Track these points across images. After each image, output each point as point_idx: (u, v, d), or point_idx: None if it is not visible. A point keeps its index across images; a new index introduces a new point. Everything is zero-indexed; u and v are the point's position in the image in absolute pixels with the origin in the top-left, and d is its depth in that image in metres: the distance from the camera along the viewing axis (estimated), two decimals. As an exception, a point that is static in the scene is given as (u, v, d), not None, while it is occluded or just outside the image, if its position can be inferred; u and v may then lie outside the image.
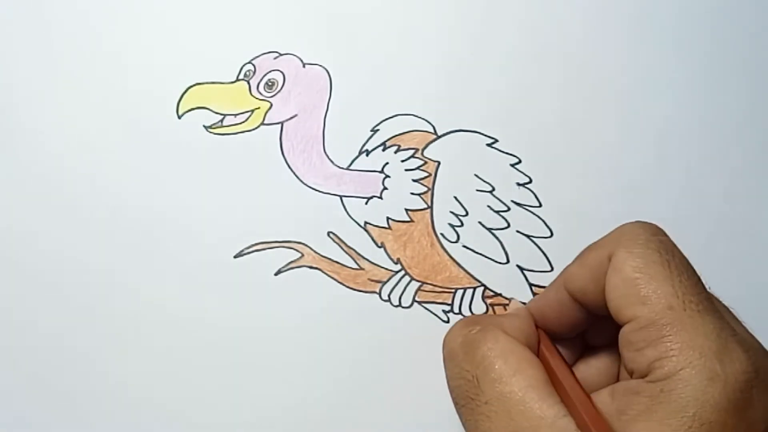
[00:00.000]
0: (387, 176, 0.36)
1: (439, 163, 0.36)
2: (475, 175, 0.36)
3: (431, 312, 0.35)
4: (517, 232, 0.35)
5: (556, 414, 0.25)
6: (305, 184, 0.35)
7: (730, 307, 0.28)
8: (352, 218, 0.35)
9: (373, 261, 0.35)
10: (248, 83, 0.36)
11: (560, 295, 0.29)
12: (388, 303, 0.35)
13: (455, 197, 0.36)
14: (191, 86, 0.36)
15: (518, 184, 0.36)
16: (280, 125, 0.36)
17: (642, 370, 0.25)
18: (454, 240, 0.35)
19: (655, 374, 0.25)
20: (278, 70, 0.36)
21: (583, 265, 0.28)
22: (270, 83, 0.36)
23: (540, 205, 0.36)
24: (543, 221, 0.35)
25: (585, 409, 0.26)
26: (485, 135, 0.36)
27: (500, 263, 0.35)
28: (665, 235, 0.27)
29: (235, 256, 0.35)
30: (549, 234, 0.36)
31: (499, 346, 0.27)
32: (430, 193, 0.36)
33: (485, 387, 0.27)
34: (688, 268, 0.26)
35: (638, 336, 0.26)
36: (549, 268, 0.35)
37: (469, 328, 0.29)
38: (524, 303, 0.34)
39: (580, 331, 0.30)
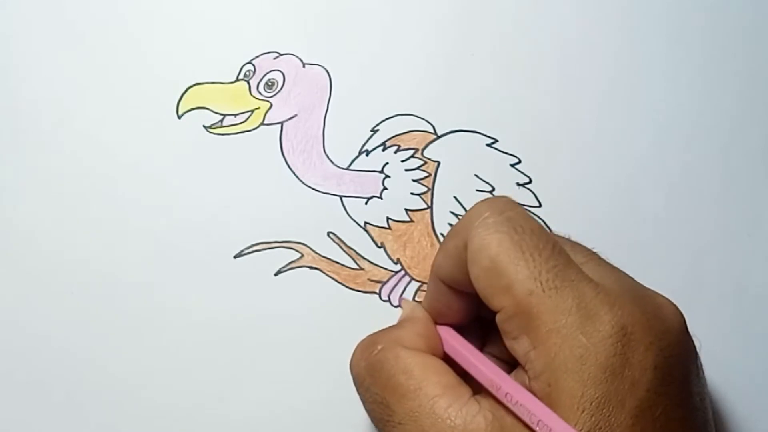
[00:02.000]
0: (387, 176, 0.36)
1: (439, 163, 0.36)
2: (475, 175, 0.36)
3: (431, 312, 0.35)
4: (517, 232, 0.35)
5: (466, 417, 0.25)
6: (305, 184, 0.35)
7: (595, 249, 0.28)
8: (351, 218, 0.35)
9: (373, 261, 0.35)
10: (248, 83, 0.36)
11: (438, 286, 0.29)
12: (388, 303, 0.35)
13: (455, 197, 0.36)
14: (191, 86, 0.36)
15: (518, 184, 0.36)
16: (280, 125, 0.36)
17: (522, 360, 0.25)
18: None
19: (534, 368, 0.25)
20: (278, 70, 0.36)
21: (446, 255, 0.28)
22: (270, 83, 0.36)
23: (540, 205, 0.36)
24: (543, 221, 0.35)
25: (506, 385, 0.25)
26: (485, 135, 0.36)
27: (500, 263, 0.35)
28: (514, 207, 0.27)
29: (235, 256, 0.35)
30: (549, 234, 0.35)
31: (400, 363, 0.27)
32: (430, 193, 0.36)
33: (395, 407, 0.26)
34: (540, 239, 0.26)
35: (510, 326, 0.26)
36: (549, 268, 0.35)
37: (369, 350, 0.28)
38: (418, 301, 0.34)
39: (475, 313, 0.30)
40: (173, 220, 0.35)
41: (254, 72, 0.36)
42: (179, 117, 0.36)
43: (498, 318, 0.26)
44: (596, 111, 0.37)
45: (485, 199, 0.28)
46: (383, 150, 0.36)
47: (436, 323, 0.31)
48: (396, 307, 0.35)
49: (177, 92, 0.36)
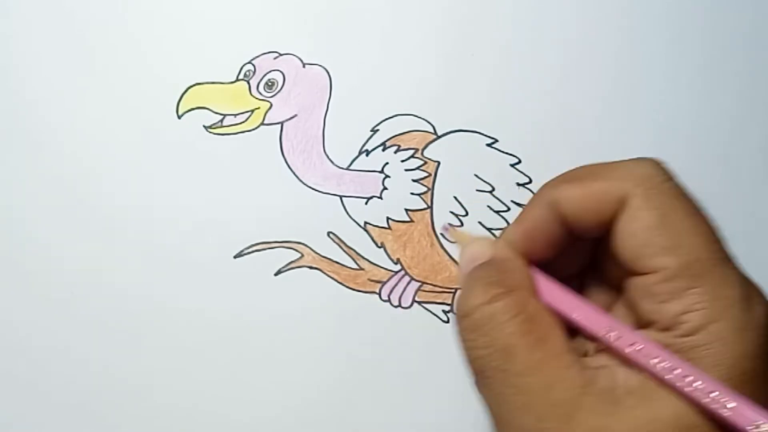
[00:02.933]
0: (387, 176, 0.36)
1: (439, 163, 0.36)
2: (475, 175, 0.36)
3: (431, 312, 0.35)
4: (517, 232, 0.35)
5: (590, 378, 0.24)
6: (305, 184, 0.35)
7: None
8: (352, 218, 0.35)
9: (373, 261, 0.35)
10: (248, 83, 0.36)
11: (547, 215, 0.27)
12: (388, 303, 0.35)
13: (455, 197, 0.36)
14: (191, 86, 0.36)
15: (518, 184, 0.36)
16: (280, 125, 0.36)
17: (666, 323, 0.24)
18: (454, 240, 0.35)
19: (682, 328, 0.24)
20: (278, 70, 0.36)
21: (585, 193, 0.26)
22: (270, 83, 0.36)
23: (540, 205, 0.36)
24: (543, 221, 0.35)
25: (652, 348, 0.24)
26: (485, 135, 0.36)
27: (500, 263, 0.35)
28: (676, 177, 0.26)
29: (235, 256, 0.35)
30: (549, 234, 0.35)
31: (526, 313, 0.25)
32: (430, 193, 0.36)
33: (517, 357, 0.24)
34: (705, 212, 0.25)
35: (663, 288, 0.24)
36: (549, 268, 0.35)
37: (492, 292, 0.26)
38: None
39: (558, 254, 0.28)
40: (173, 220, 0.35)
41: (254, 72, 0.36)
42: (179, 117, 0.36)
43: (647, 280, 0.25)
44: (596, 111, 0.37)
45: (648, 159, 0.26)
46: (383, 150, 0.36)
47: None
48: (396, 306, 0.35)
49: (177, 92, 0.36)
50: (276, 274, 0.35)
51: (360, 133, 0.36)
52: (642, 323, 0.25)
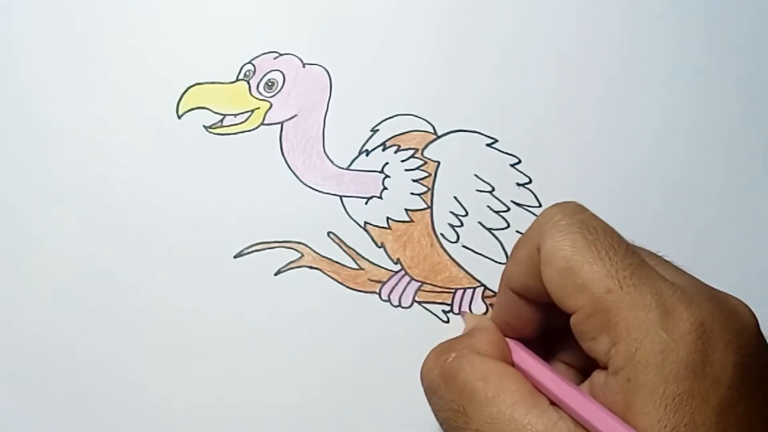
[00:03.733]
0: (387, 176, 0.36)
1: (439, 163, 0.36)
2: (475, 175, 0.36)
3: (431, 312, 0.35)
4: (517, 232, 0.35)
5: (547, 423, 0.25)
6: (305, 184, 0.35)
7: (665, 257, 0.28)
8: (352, 218, 0.35)
9: (373, 261, 0.35)
10: (248, 83, 0.36)
11: (509, 297, 0.29)
12: (388, 303, 0.35)
13: (455, 197, 0.36)
14: (191, 86, 0.36)
15: (518, 184, 0.36)
16: (280, 125, 0.36)
17: (602, 360, 0.25)
18: (453, 240, 0.35)
19: (614, 363, 0.25)
20: (278, 70, 0.36)
21: (516, 263, 0.28)
22: (270, 83, 0.36)
23: (540, 205, 0.36)
24: (543, 221, 0.35)
25: (577, 403, 0.25)
26: (485, 135, 0.36)
27: (500, 263, 0.35)
28: (584, 211, 0.27)
29: (235, 256, 0.35)
30: (549, 234, 0.35)
31: (477, 369, 0.27)
32: (430, 193, 0.36)
33: (473, 414, 0.26)
34: (614, 240, 0.26)
35: (587, 325, 0.25)
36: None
37: (443, 357, 0.28)
38: (481, 313, 0.34)
39: (544, 325, 0.30)
40: (173, 220, 0.35)
41: (254, 72, 0.36)
42: (179, 117, 0.36)
43: (574, 319, 0.26)
44: (596, 111, 0.37)
45: (555, 205, 0.28)
46: (383, 150, 0.36)
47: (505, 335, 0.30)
48: (396, 306, 0.35)
49: (177, 92, 0.36)
50: (276, 274, 0.35)
51: (360, 133, 0.36)
52: (594, 360, 0.26)
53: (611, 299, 0.25)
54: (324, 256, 0.35)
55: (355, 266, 0.35)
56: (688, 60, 0.37)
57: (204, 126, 0.36)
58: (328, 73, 0.36)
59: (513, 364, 0.29)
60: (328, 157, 0.36)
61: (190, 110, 0.36)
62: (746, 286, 0.36)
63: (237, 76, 0.36)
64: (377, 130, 0.36)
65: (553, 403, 0.26)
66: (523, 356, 0.29)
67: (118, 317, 0.34)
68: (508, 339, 0.30)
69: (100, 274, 0.34)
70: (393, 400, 0.34)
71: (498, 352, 0.28)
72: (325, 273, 0.35)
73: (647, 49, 0.37)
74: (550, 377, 0.27)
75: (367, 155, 0.36)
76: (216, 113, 0.36)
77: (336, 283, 0.35)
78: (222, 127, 0.36)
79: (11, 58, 0.36)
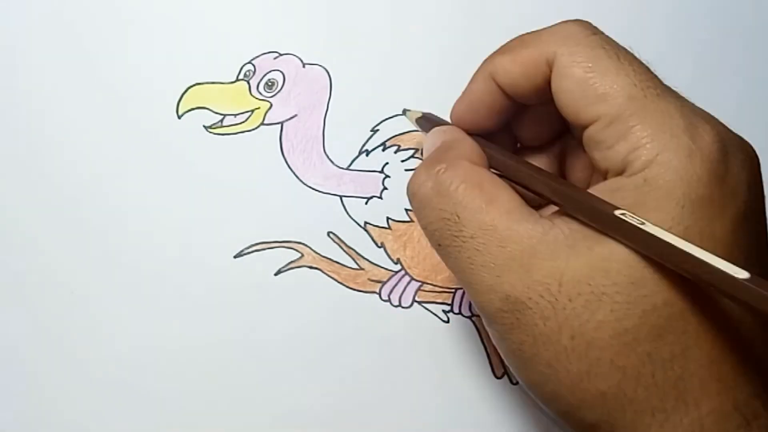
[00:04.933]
0: (387, 176, 0.36)
1: (439, 163, 0.36)
2: (475, 175, 0.36)
3: (431, 312, 0.35)
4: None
5: (543, 229, 0.24)
6: (305, 184, 0.35)
7: None
8: (352, 218, 0.35)
9: (373, 261, 0.35)
10: (248, 83, 0.36)
11: (488, 86, 0.28)
12: (388, 303, 0.35)
13: (455, 197, 0.35)
14: (191, 86, 0.36)
15: (518, 184, 0.36)
16: (280, 125, 0.36)
17: (617, 167, 0.25)
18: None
19: (633, 167, 0.24)
20: (278, 70, 0.36)
21: (515, 61, 0.27)
22: (270, 83, 0.36)
23: (540, 205, 0.36)
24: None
25: (586, 197, 0.25)
26: (485, 135, 0.36)
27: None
28: (601, 31, 0.27)
29: (235, 256, 0.35)
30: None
31: (471, 178, 0.26)
32: (430, 193, 0.35)
33: (467, 221, 0.25)
34: (636, 57, 0.26)
35: (606, 134, 0.25)
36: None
37: (435, 168, 0.27)
38: (444, 121, 0.32)
39: (508, 120, 0.30)
40: (173, 220, 0.35)
41: (254, 72, 0.36)
42: (179, 117, 0.36)
43: (591, 130, 0.26)
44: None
45: (569, 20, 0.28)
46: (383, 150, 0.36)
47: (467, 131, 0.30)
48: (396, 306, 0.35)
49: (177, 92, 0.36)
50: (276, 274, 0.35)
51: (360, 133, 0.36)
52: (603, 174, 0.26)
53: (634, 106, 0.25)
54: (324, 256, 0.35)
55: (355, 266, 0.35)
56: (687, 60, 0.37)
57: (204, 126, 0.36)
58: (328, 73, 0.36)
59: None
60: (328, 157, 0.36)
61: (190, 110, 0.36)
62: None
63: (237, 76, 0.36)
64: (377, 130, 0.36)
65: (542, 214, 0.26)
66: (502, 160, 0.28)
67: (117, 317, 0.34)
68: (482, 142, 0.29)
69: (100, 273, 0.34)
70: (393, 399, 0.34)
71: (482, 161, 0.28)
72: (325, 273, 0.35)
73: (647, 48, 0.37)
74: (541, 176, 0.27)
75: (367, 155, 0.36)
76: (216, 113, 0.36)
77: (336, 283, 0.35)
78: (222, 127, 0.36)
79: (11, 58, 0.36)
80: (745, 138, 0.27)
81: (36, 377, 0.34)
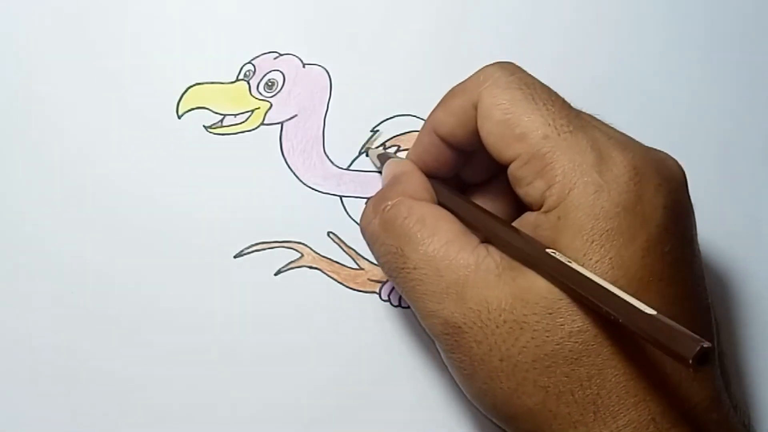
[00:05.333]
0: (387, 176, 0.36)
1: (439, 163, 0.36)
2: (475, 175, 0.36)
3: (431, 312, 0.35)
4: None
5: (478, 258, 0.27)
6: (305, 184, 0.35)
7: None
8: (352, 218, 0.35)
9: (373, 261, 0.35)
10: (248, 83, 0.36)
11: (432, 139, 0.31)
12: (388, 303, 0.35)
13: (455, 197, 0.35)
14: (191, 86, 0.36)
15: (518, 184, 0.36)
16: (280, 125, 0.36)
17: (537, 202, 0.27)
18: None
19: (548, 203, 0.26)
20: (278, 70, 0.36)
21: (448, 112, 0.30)
22: (270, 83, 0.36)
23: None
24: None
25: (506, 233, 0.27)
26: (485, 135, 0.36)
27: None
28: (522, 70, 0.29)
29: (235, 256, 0.35)
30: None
31: (413, 213, 0.28)
32: (430, 193, 0.36)
33: (410, 254, 0.28)
34: (551, 94, 0.28)
35: (525, 171, 0.27)
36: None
37: (381, 206, 0.29)
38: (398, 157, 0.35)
39: (458, 169, 0.32)
40: (173, 220, 0.35)
41: (254, 72, 0.36)
42: (179, 117, 0.36)
43: (512, 168, 0.27)
44: (595, 111, 0.36)
45: (493, 63, 0.29)
46: (383, 150, 0.36)
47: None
48: (396, 306, 0.35)
49: (177, 92, 0.36)
50: (276, 274, 0.35)
51: (360, 133, 0.36)
52: (530, 208, 0.28)
53: (548, 145, 0.26)
54: (324, 256, 0.35)
55: (355, 266, 0.35)
56: (687, 59, 0.37)
57: (204, 126, 0.36)
58: (328, 73, 0.36)
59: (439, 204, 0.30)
60: (328, 157, 0.36)
61: (190, 110, 0.36)
62: (747, 285, 0.36)
63: (237, 76, 0.36)
64: (377, 130, 0.36)
65: (484, 242, 0.28)
66: (449, 196, 0.30)
67: (117, 317, 0.34)
68: (432, 179, 0.31)
69: (100, 273, 0.34)
70: (393, 399, 0.34)
71: (428, 195, 0.30)
72: (325, 273, 0.35)
73: (647, 49, 0.37)
74: (477, 213, 0.29)
75: (367, 155, 0.36)
76: (216, 113, 0.36)
77: (336, 283, 0.35)
78: (222, 127, 0.36)
79: (11, 58, 0.36)
80: (745, 138, 0.27)
81: (34, 377, 0.34)
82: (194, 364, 0.34)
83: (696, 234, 0.28)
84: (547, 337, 0.25)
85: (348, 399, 0.34)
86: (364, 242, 0.35)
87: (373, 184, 0.35)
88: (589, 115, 0.29)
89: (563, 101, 0.28)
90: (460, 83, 0.30)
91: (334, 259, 0.35)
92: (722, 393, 0.27)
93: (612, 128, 0.29)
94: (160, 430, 0.34)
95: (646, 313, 0.22)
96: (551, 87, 0.30)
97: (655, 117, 0.37)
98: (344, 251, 0.35)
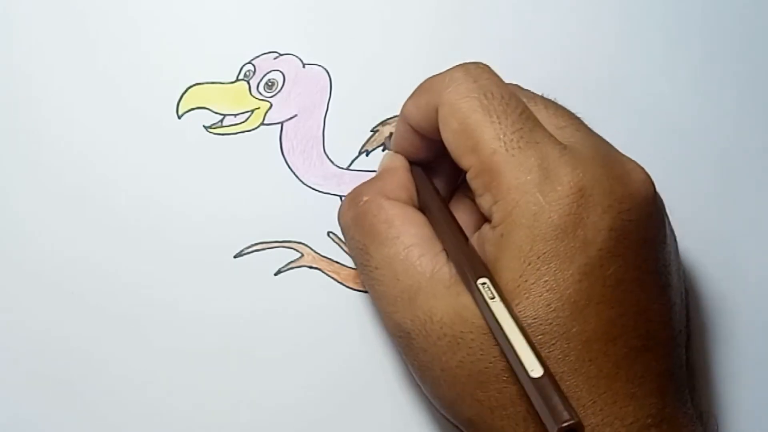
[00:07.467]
0: (387, 176, 0.36)
1: (439, 163, 0.36)
2: (475, 175, 0.36)
3: (431, 312, 0.35)
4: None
5: (434, 267, 0.27)
6: (305, 184, 0.35)
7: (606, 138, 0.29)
8: (352, 218, 0.35)
9: (373, 261, 0.35)
10: (248, 83, 0.36)
11: (405, 127, 0.31)
12: (388, 303, 0.35)
13: (455, 197, 0.35)
14: (191, 86, 0.36)
15: (518, 184, 0.36)
16: (280, 125, 0.36)
17: (488, 215, 0.27)
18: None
19: (494, 219, 0.26)
20: (278, 70, 0.36)
21: (416, 106, 0.30)
22: (270, 83, 0.36)
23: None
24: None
25: (452, 246, 0.27)
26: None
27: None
28: (487, 75, 0.28)
29: (235, 256, 0.35)
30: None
31: (383, 214, 0.29)
32: (430, 193, 0.36)
33: (373, 253, 0.28)
34: (510, 105, 0.27)
35: (476, 183, 0.27)
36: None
37: (356, 201, 0.30)
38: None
39: (436, 155, 0.31)
40: (173, 220, 0.35)
41: (254, 72, 0.36)
42: (179, 117, 0.36)
43: (467, 177, 0.28)
44: (595, 111, 0.36)
45: (460, 65, 0.29)
46: (383, 150, 0.36)
47: (409, 161, 0.32)
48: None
49: (177, 92, 0.36)
50: (276, 274, 0.35)
51: (360, 133, 0.36)
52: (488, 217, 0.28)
53: (496, 160, 0.26)
54: (324, 256, 0.35)
55: (355, 266, 0.35)
56: (687, 60, 0.37)
57: (204, 126, 0.36)
58: (328, 73, 0.36)
59: (419, 203, 0.31)
60: (328, 157, 0.36)
61: (190, 110, 0.36)
62: (747, 285, 0.36)
63: (237, 76, 0.36)
64: (377, 130, 0.36)
65: None
66: (429, 197, 0.30)
67: (117, 317, 0.34)
68: (414, 171, 0.32)
69: (100, 273, 0.34)
70: (393, 399, 0.34)
71: (407, 194, 0.30)
72: (325, 273, 0.35)
73: (647, 49, 0.37)
74: (439, 221, 0.29)
75: (367, 155, 0.36)
76: (216, 113, 0.36)
77: (336, 283, 0.35)
78: (222, 127, 0.36)
79: (10, 58, 0.36)
80: (745, 138, 0.27)
81: (35, 377, 0.34)
82: (194, 364, 0.34)
83: (666, 243, 0.27)
84: (481, 355, 0.25)
85: (347, 399, 0.34)
86: (364, 242, 0.35)
87: (373, 184, 0.35)
88: (567, 118, 0.29)
89: (520, 112, 0.27)
90: (429, 78, 0.30)
91: (334, 259, 0.35)
92: (678, 406, 0.26)
93: (586, 135, 0.28)
94: (159, 429, 0.34)
95: (529, 375, 0.23)
96: (546, 87, 0.30)
97: (655, 117, 0.37)
98: (344, 251, 0.35)
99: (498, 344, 0.25)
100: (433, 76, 0.30)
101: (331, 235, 0.35)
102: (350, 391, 0.34)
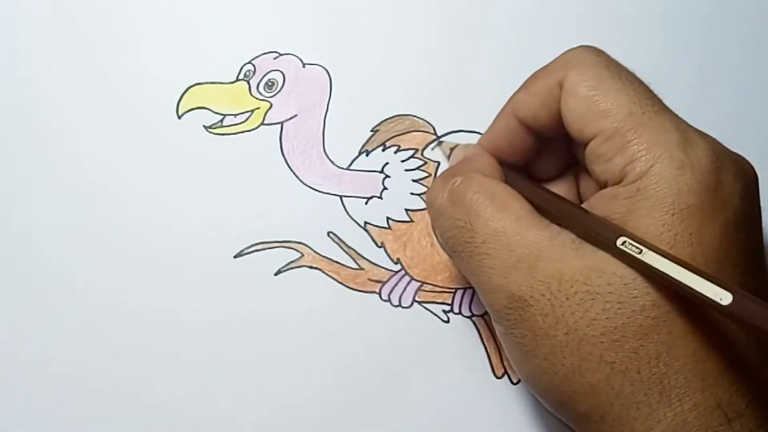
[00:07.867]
0: (387, 176, 0.36)
1: (438, 163, 0.36)
2: (475, 175, 0.36)
3: (431, 312, 0.35)
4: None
5: (552, 234, 0.27)
6: (305, 184, 0.35)
7: None
8: (352, 218, 0.35)
9: (373, 261, 0.35)
10: (248, 83, 0.36)
11: (510, 123, 0.31)
12: (388, 303, 0.35)
13: (455, 197, 0.35)
14: (191, 86, 0.36)
15: (518, 184, 0.36)
16: (280, 125, 0.36)
17: (615, 178, 0.27)
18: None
19: (628, 177, 0.26)
20: (278, 70, 0.36)
21: (531, 93, 0.30)
22: (270, 83, 0.36)
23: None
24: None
25: (588, 216, 0.27)
26: (485, 135, 0.36)
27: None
28: (606, 54, 0.29)
29: (235, 256, 0.35)
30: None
31: (483, 189, 0.28)
32: (430, 193, 0.36)
33: (479, 228, 0.28)
34: (637, 78, 0.28)
35: (605, 147, 0.27)
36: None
37: (451, 181, 0.29)
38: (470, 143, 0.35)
39: (529, 157, 0.32)
40: (173, 221, 0.35)
41: (254, 72, 0.36)
42: (179, 117, 0.36)
43: (592, 145, 0.27)
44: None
45: (578, 46, 0.29)
46: (383, 150, 0.36)
47: None
48: (396, 306, 0.35)
49: (177, 92, 0.36)
50: (276, 274, 0.35)
51: (360, 133, 0.36)
52: (603, 186, 0.28)
53: (633, 121, 0.27)
54: (324, 256, 0.35)
55: (355, 266, 0.35)
56: (687, 60, 0.37)
57: (204, 126, 0.36)
58: (328, 73, 0.36)
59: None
60: (328, 157, 0.36)
61: (190, 110, 0.36)
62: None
63: (237, 76, 0.36)
64: (377, 130, 0.36)
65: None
66: (518, 180, 0.30)
67: (117, 317, 0.34)
68: (501, 165, 0.31)
69: (99, 274, 0.34)
70: (393, 399, 0.34)
71: (498, 175, 0.30)
72: (325, 273, 0.35)
73: (646, 49, 0.37)
74: (547, 197, 0.29)
75: (367, 155, 0.36)
76: (216, 113, 0.36)
77: (336, 283, 0.35)
78: (222, 127, 0.36)
79: (10, 59, 0.36)
80: (745, 138, 0.28)
81: (35, 381, 0.34)
82: (194, 364, 0.34)
83: (763, 234, 0.28)
84: (619, 309, 0.25)
85: (348, 399, 0.34)
86: (364, 242, 0.35)
87: (374, 184, 0.35)
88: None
89: (647, 86, 0.28)
90: (542, 67, 0.30)
91: (334, 259, 0.35)
92: None
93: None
94: (159, 429, 0.34)
95: (721, 305, 0.22)
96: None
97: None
98: (344, 251, 0.35)
99: (637, 296, 0.24)
100: (543, 66, 0.30)
101: (331, 235, 0.35)
102: (350, 390, 0.34)
